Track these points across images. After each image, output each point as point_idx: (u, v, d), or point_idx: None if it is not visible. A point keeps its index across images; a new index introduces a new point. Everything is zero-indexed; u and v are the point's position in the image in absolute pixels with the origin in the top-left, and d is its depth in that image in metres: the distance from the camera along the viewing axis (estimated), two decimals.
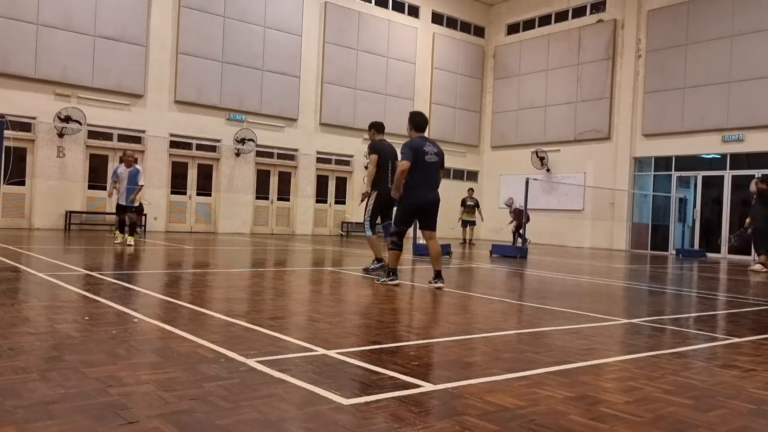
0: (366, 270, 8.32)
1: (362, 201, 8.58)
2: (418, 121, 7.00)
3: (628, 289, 8.24)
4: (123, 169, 11.97)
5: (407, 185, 6.74)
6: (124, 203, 11.88)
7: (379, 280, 7.07)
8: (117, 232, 12.23)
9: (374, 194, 8.23)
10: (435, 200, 6.96)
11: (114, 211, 14.17)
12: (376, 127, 8.53)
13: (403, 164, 6.68)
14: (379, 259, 8.27)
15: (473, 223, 20.07)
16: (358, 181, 22.54)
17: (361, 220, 8.81)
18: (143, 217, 17.69)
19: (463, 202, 20.04)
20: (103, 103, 17.26)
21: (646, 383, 3.10)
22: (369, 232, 8.33)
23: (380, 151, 8.18)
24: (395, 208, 7.23)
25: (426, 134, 7.15)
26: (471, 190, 21.08)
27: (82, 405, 2.37)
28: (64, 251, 10.29)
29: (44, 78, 16.38)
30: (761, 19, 18.06)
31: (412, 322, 4.86)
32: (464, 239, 19.88)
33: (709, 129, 19.09)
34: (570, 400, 2.75)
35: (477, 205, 20.21)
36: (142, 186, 12.07)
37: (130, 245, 11.38)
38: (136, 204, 12.21)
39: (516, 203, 17.61)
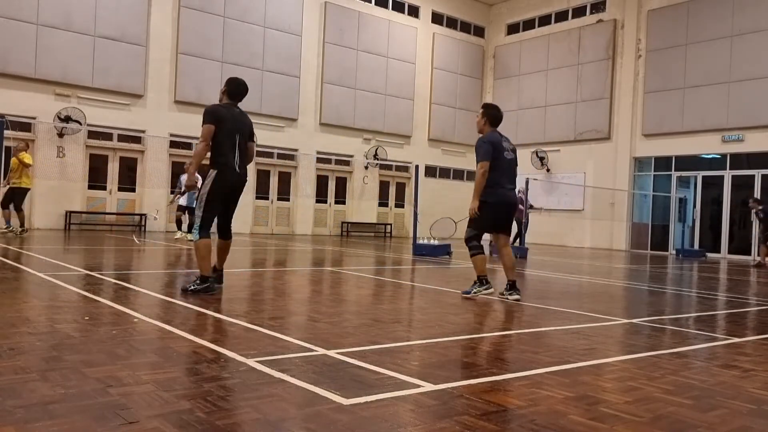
0: (185, 290, 5.54)
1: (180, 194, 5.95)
2: (495, 115, 6.25)
3: (628, 289, 8.23)
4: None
5: (486, 184, 6.05)
6: None
7: (470, 292, 6.03)
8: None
9: (213, 173, 5.67)
10: (514, 200, 6.38)
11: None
12: (229, 87, 6.10)
13: (482, 165, 6.02)
14: (204, 278, 5.54)
15: None
16: (358, 180, 22.51)
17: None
18: (143, 218, 17.74)
19: None
20: (103, 103, 17.26)
21: (646, 383, 3.10)
22: (197, 235, 5.61)
23: (222, 119, 5.72)
24: (480, 214, 6.09)
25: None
26: None
27: (82, 405, 2.37)
28: (64, 251, 10.28)
29: (44, 78, 16.38)
30: (761, 19, 18.05)
31: (411, 322, 4.86)
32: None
33: (709, 129, 19.08)
34: (570, 400, 2.75)
35: None
36: None
37: None
38: None
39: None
